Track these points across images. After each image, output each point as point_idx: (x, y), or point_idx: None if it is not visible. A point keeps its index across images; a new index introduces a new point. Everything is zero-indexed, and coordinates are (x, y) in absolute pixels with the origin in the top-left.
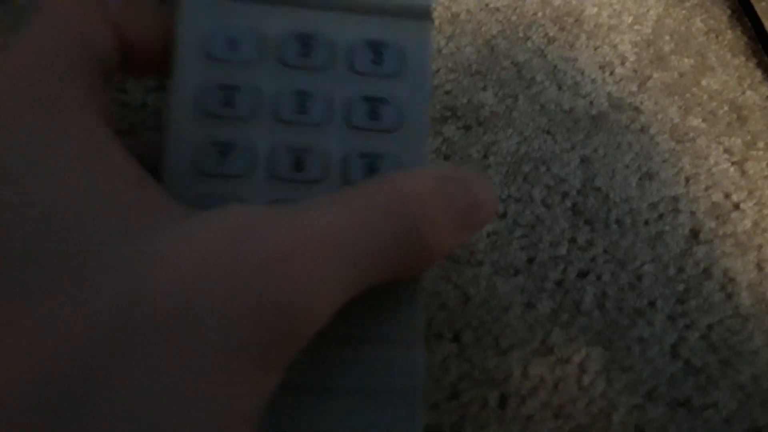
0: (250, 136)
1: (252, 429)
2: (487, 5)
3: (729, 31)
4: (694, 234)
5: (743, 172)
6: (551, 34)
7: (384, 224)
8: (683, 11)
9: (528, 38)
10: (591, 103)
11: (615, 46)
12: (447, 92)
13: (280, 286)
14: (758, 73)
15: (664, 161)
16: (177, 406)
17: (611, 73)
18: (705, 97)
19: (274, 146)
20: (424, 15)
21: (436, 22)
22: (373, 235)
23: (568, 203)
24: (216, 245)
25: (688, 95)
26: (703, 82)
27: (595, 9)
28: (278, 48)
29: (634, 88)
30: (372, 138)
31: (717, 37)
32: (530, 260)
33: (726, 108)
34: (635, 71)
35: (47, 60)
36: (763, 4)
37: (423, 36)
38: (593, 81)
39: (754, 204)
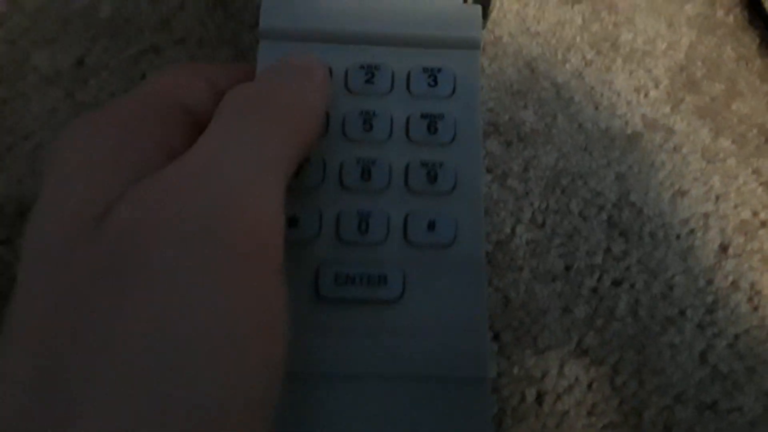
0: (321, 152)
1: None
2: (528, 29)
3: (758, 59)
4: (723, 249)
5: None
6: (589, 57)
7: None
8: (715, 39)
9: (567, 61)
10: (626, 122)
11: (649, 71)
12: (490, 109)
13: None
14: None
15: (695, 179)
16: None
17: (646, 96)
18: (735, 120)
19: (343, 161)
20: (474, 45)
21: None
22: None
23: (604, 216)
24: None
25: (719, 118)
26: (733, 106)
27: (631, 35)
28: (345, 78)
29: (668, 110)
30: (431, 149)
31: (747, 63)
32: (567, 268)
33: (755, 131)
34: (668, 94)
35: (142, 118)
36: None
37: (472, 62)
38: (628, 102)
39: None
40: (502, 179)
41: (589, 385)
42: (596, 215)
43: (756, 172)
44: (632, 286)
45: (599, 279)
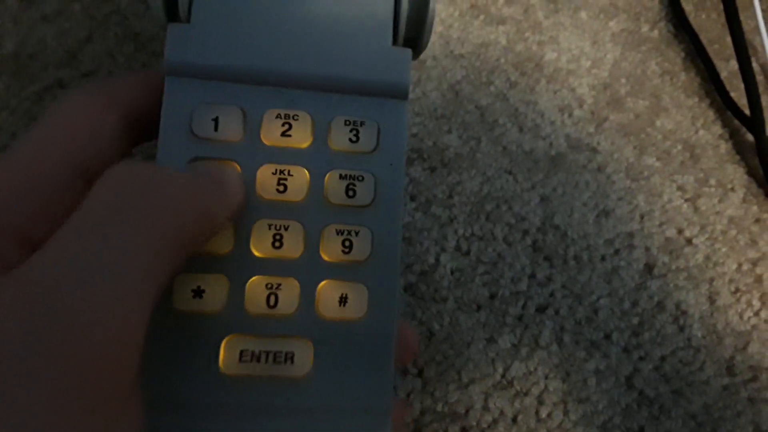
0: None
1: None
2: (452, 52)
3: (683, 73)
4: (649, 268)
5: (696, 209)
6: (513, 78)
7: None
8: (639, 55)
9: (491, 83)
10: (550, 144)
11: (573, 90)
12: (413, 135)
13: None
14: (711, 113)
15: (619, 199)
16: None
17: (570, 115)
18: (659, 137)
19: (254, 225)
20: (401, 94)
21: None
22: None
23: (529, 240)
24: None
25: (643, 135)
26: (658, 123)
27: (555, 54)
28: (259, 126)
29: (592, 130)
30: (349, 214)
31: (671, 79)
32: (492, 296)
33: (679, 147)
34: (593, 113)
35: (44, 160)
36: (716, 46)
37: (400, 114)
38: (552, 123)
39: (706, 239)
40: (426, 207)
41: (514, 418)
42: (520, 240)
43: (681, 188)
44: (557, 312)
45: (524, 306)
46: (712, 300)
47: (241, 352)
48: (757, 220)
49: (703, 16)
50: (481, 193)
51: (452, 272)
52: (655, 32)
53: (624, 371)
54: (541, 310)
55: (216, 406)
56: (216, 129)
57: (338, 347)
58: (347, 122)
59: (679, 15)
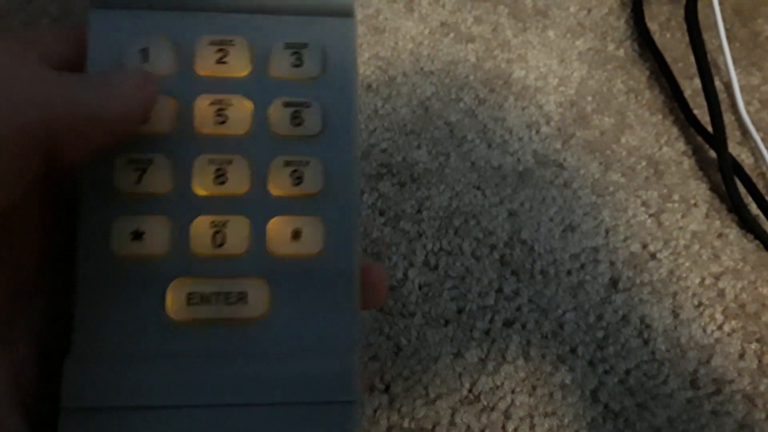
0: (168, 150)
1: None
2: (422, 68)
3: (648, 91)
4: (614, 283)
5: (659, 224)
6: (482, 95)
7: None
8: (605, 73)
9: (460, 99)
10: (518, 159)
11: (541, 107)
12: (383, 150)
13: None
14: (674, 130)
15: (585, 214)
16: None
17: (537, 132)
18: (624, 153)
19: (194, 161)
20: (346, 11)
21: (374, 85)
22: None
23: (496, 255)
24: None
25: (608, 152)
26: (623, 140)
27: (523, 72)
28: (192, 55)
29: (558, 146)
30: (296, 144)
31: (636, 96)
32: (459, 311)
33: (644, 163)
34: (559, 130)
35: None
36: (680, 65)
37: (346, 33)
38: (520, 139)
39: (670, 254)
40: (395, 222)
41: None
42: (488, 255)
43: (645, 204)
44: (523, 326)
45: (491, 320)
46: (675, 314)
47: (189, 294)
48: (720, 235)
49: (668, 35)
50: (449, 208)
51: (420, 287)
52: (621, 51)
53: (589, 385)
54: (508, 324)
55: (165, 354)
56: (146, 61)
57: (295, 286)
58: (288, 45)
59: (644, 34)
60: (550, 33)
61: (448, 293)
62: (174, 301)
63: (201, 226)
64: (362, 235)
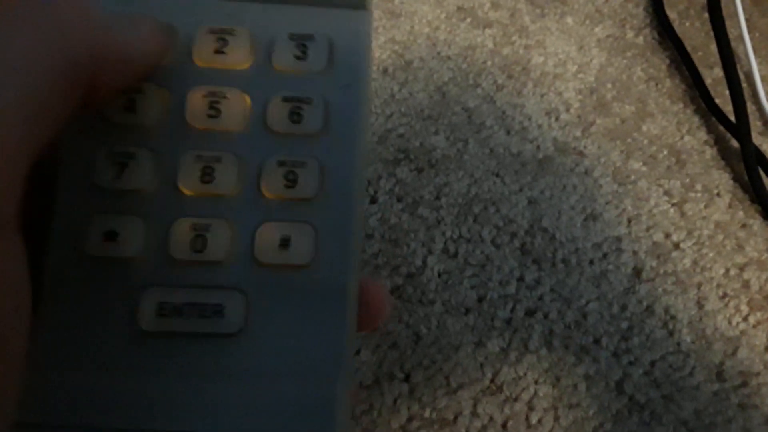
0: (150, 142)
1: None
2: (439, 53)
3: (668, 80)
4: (637, 272)
5: (682, 213)
6: (500, 81)
7: None
8: (624, 61)
9: (478, 85)
10: (538, 147)
11: (560, 94)
12: (400, 135)
13: None
14: (696, 119)
15: (607, 203)
16: None
17: (557, 119)
18: (645, 141)
19: (180, 156)
20: (358, 3)
21: (390, 69)
22: None
23: (517, 243)
24: None
25: (629, 140)
26: (644, 128)
27: (542, 58)
28: (190, 45)
29: (578, 133)
30: (293, 144)
31: (657, 85)
32: (480, 299)
33: (665, 152)
34: (579, 117)
35: None
36: (700, 54)
37: (358, 27)
38: (539, 126)
39: (693, 243)
40: (413, 208)
41: (504, 425)
42: (509, 243)
43: (667, 193)
44: (546, 315)
45: (512, 310)
46: (700, 305)
47: (160, 304)
48: (743, 226)
49: (687, 24)
50: (468, 194)
51: (440, 275)
52: (640, 39)
53: (614, 376)
54: (530, 313)
55: (134, 367)
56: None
57: (279, 301)
58: (293, 36)
59: (663, 22)
60: (569, 19)
61: (468, 281)
62: (145, 310)
63: (181, 228)
64: (362, 247)
